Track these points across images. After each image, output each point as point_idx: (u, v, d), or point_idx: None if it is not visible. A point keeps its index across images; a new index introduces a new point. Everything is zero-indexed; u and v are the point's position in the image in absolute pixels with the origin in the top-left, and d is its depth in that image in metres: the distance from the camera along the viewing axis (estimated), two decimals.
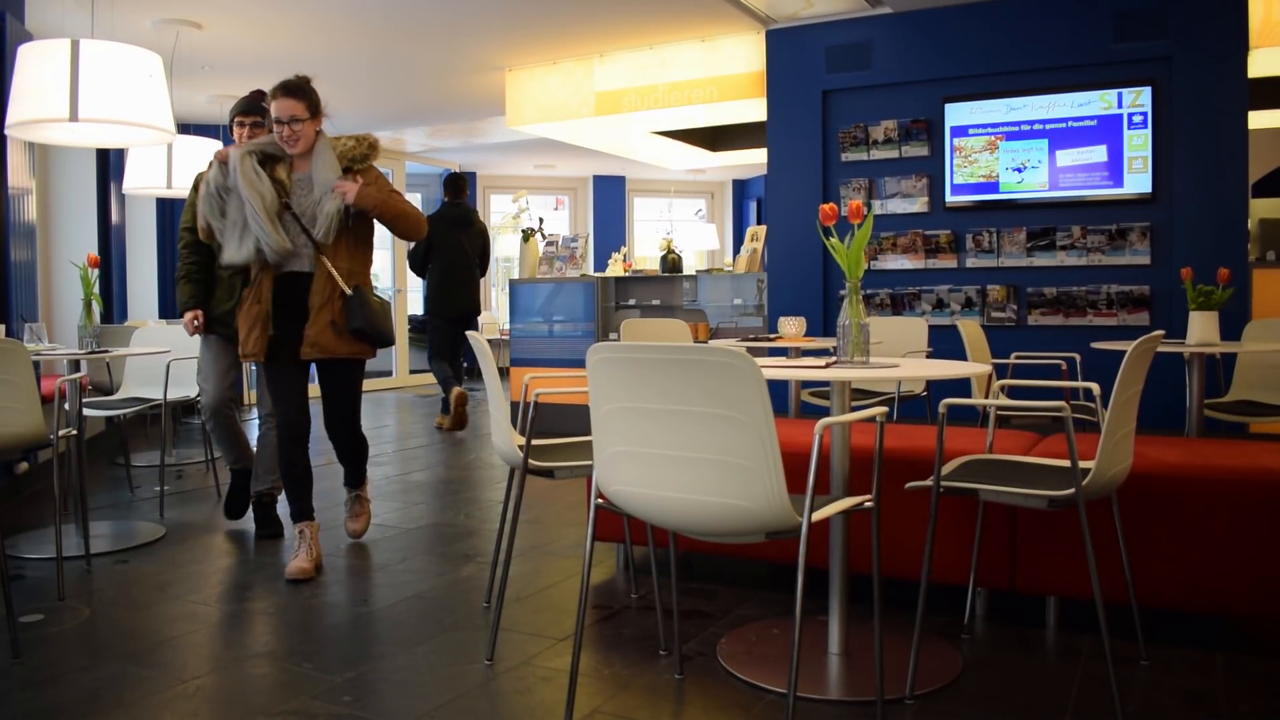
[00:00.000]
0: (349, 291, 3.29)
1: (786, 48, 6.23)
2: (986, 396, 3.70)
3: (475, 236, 6.84)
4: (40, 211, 5.93)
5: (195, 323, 3.80)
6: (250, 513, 4.02)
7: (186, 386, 4.71)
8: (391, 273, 10.54)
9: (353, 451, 3.65)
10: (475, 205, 11.92)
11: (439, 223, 6.62)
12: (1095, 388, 2.51)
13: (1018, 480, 2.34)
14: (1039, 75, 5.56)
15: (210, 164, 3.29)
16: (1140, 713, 2.18)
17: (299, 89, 3.26)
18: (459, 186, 6.97)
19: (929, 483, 2.34)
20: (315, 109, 3.30)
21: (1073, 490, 2.18)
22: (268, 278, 3.31)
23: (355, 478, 3.76)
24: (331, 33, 6.31)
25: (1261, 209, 6.60)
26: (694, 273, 7.24)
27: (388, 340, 3.39)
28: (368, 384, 10.23)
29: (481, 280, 7.04)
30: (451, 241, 6.69)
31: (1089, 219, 5.48)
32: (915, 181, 5.93)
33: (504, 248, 12.62)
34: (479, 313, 7.03)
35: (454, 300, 6.76)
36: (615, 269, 7.35)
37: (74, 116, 3.62)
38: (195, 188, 3.68)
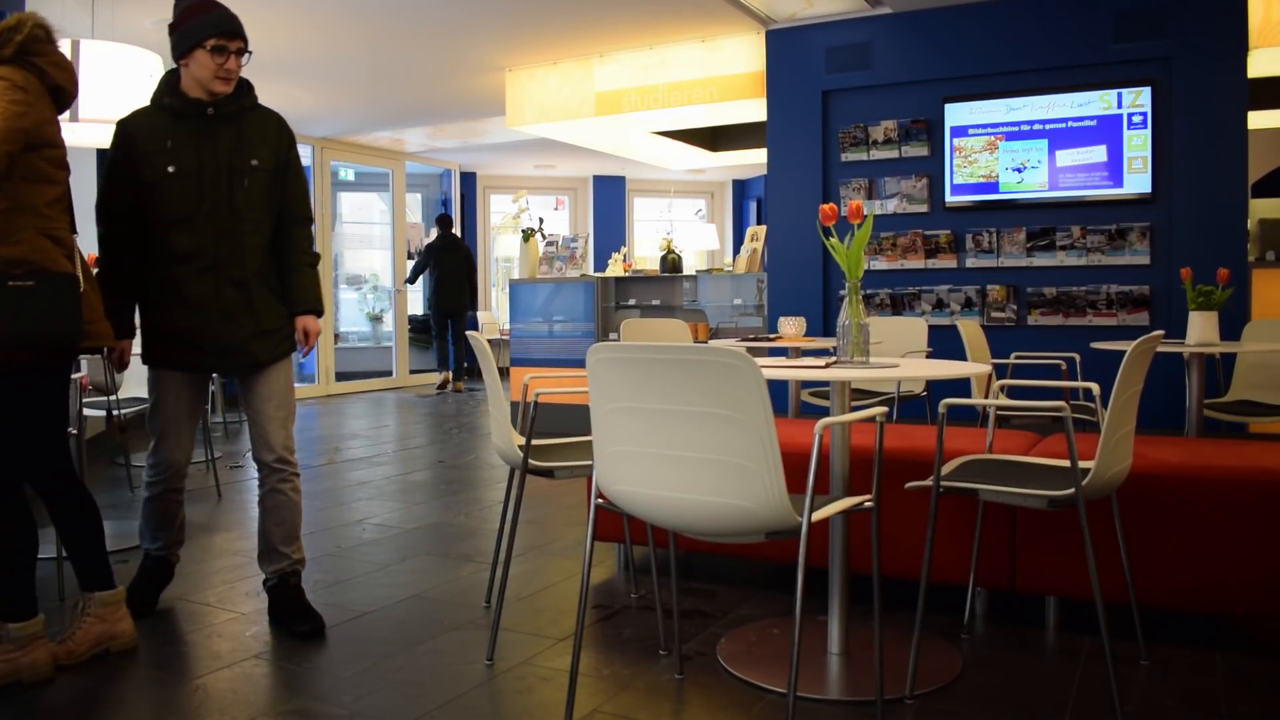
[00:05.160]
0: None
1: (786, 48, 6.23)
2: (986, 396, 3.70)
3: (460, 259, 9.79)
4: None
5: (124, 360, 2.84)
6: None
7: None
8: (392, 273, 10.54)
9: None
10: (475, 208, 12.20)
11: (435, 250, 9.72)
12: (1095, 388, 2.51)
13: (1017, 480, 2.35)
14: (1038, 75, 5.56)
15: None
16: (1140, 713, 2.18)
17: None
18: (447, 221, 9.95)
19: (929, 483, 2.34)
20: None
21: (1072, 490, 2.18)
22: None
23: (83, 566, 2.56)
24: (331, 33, 6.31)
25: (1261, 209, 6.60)
26: (694, 273, 7.24)
27: (52, 339, 2.36)
28: (368, 384, 10.21)
29: (473, 286, 10.00)
30: (443, 261, 9.71)
31: (1089, 219, 5.48)
32: (915, 181, 5.93)
33: (504, 248, 12.63)
34: (465, 309, 9.81)
35: (445, 299, 9.69)
36: (615, 269, 7.35)
37: (74, 117, 3.63)
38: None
